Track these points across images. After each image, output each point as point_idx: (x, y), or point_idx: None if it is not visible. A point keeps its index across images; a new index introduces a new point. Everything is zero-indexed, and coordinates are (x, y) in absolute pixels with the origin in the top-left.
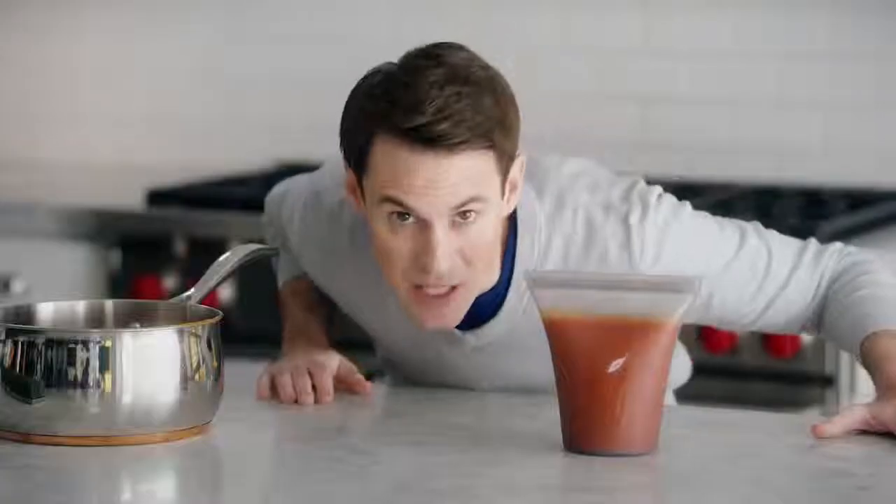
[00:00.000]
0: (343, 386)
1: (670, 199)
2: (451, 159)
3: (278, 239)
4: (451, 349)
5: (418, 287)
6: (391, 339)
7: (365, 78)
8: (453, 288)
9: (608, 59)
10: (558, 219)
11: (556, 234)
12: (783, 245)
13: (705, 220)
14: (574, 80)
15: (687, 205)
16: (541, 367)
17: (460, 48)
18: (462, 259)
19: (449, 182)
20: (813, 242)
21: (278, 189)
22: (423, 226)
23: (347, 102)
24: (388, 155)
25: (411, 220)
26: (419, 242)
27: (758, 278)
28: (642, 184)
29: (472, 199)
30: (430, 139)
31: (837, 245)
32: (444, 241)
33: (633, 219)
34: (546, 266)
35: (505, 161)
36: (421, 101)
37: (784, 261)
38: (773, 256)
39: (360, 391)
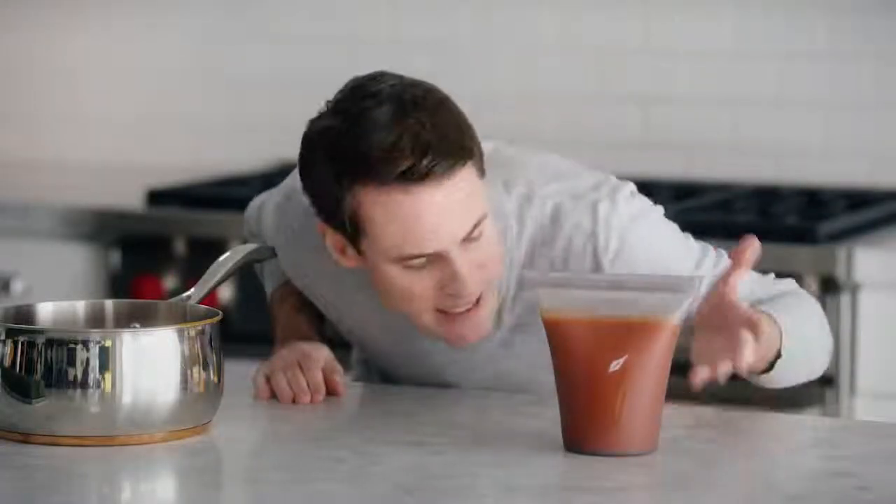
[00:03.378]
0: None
1: (643, 199)
2: (444, 186)
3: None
4: (431, 347)
5: (442, 311)
6: (368, 336)
7: (311, 141)
8: (478, 300)
9: (608, 59)
10: (527, 210)
11: (525, 225)
12: None
13: (673, 229)
14: (574, 80)
15: (659, 209)
16: (521, 366)
17: (380, 75)
18: (480, 270)
19: (451, 211)
20: (770, 277)
21: (254, 203)
22: (439, 257)
23: (307, 169)
24: (384, 209)
25: (424, 259)
26: (439, 275)
27: None
28: (614, 179)
29: (477, 224)
30: (420, 178)
31: (787, 281)
32: (465, 264)
33: (602, 209)
34: (517, 256)
35: (479, 161)
36: (392, 142)
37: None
38: None
39: (335, 392)
